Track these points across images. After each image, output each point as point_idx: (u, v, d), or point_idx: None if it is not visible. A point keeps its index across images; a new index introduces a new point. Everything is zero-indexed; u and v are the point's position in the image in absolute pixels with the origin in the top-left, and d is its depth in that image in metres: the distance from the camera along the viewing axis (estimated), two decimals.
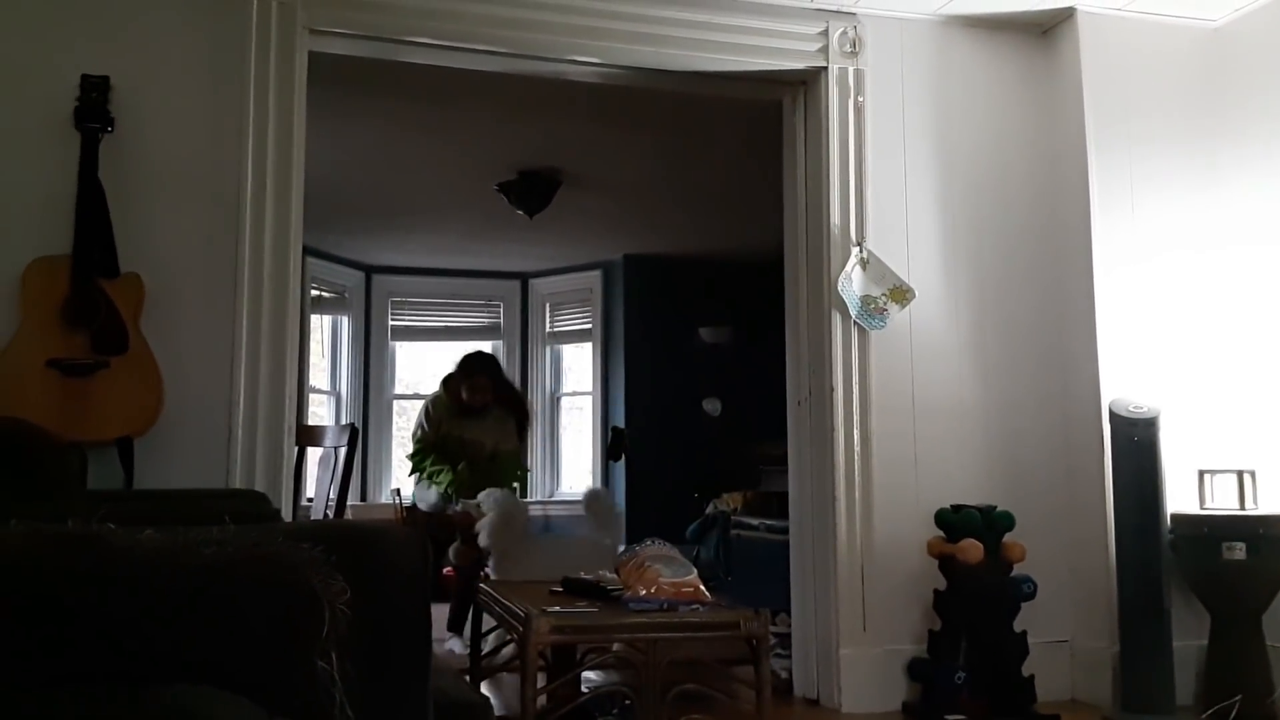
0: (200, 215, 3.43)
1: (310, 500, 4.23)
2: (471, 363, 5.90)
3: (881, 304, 3.96)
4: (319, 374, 8.62)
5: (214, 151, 3.45)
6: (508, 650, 3.53)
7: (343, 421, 8.29)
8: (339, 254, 8.49)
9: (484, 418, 5.83)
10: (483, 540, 5.06)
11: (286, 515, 3.42)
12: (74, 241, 3.21)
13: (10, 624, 1.08)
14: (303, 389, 7.19)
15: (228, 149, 3.45)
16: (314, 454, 4.12)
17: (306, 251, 3.75)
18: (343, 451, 3.87)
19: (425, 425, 5.77)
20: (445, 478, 5.59)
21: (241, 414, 3.39)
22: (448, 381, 5.89)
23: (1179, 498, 3.81)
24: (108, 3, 3.43)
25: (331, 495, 3.85)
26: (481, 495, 5.23)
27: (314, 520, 3.75)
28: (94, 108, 3.29)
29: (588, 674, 3.74)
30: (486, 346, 9.34)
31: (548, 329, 9.44)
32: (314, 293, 8.27)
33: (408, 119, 5.55)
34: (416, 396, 8.22)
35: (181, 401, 3.29)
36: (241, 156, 3.45)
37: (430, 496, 5.68)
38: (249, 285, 3.43)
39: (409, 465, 5.81)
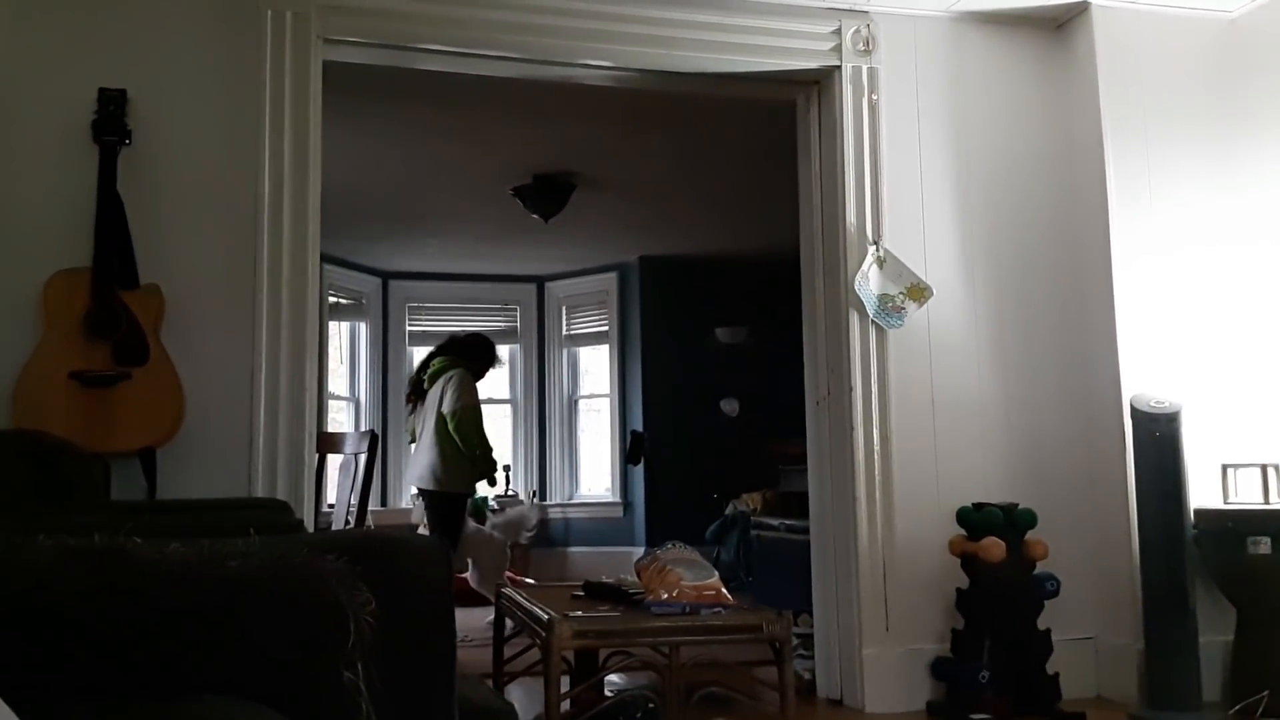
0: (218, 225, 3.45)
1: (331, 507, 4.25)
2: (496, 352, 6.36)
3: (899, 302, 3.95)
4: (337, 380, 8.65)
5: (231, 161, 3.47)
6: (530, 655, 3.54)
7: (362, 428, 8.32)
8: (356, 260, 8.53)
9: None
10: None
11: (308, 523, 3.44)
12: (94, 254, 3.24)
13: (40, 638, 1.09)
14: (322, 396, 7.23)
15: (244, 159, 3.47)
16: (334, 460, 4.13)
17: (323, 259, 3.76)
18: (363, 458, 3.88)
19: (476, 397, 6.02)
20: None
21: (262, 422, 3.41)
22: (471, 360, 6.15)
23: (1202, 493, 3.79)
24: (123, 17, 3.45)
25: (352, 502, 3.86)
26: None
27: (338, 530, 3.76)
28: (111, 121, 3.32)
29: (611, 678, 3.74)
30: (504, 350, 9.40)
31: (564, 332, 9.45)
32: (331, 299, 8.31)
33: (422, 125, 5.57)
34: None
35: (202, 411, 3.31)
36: (258, 166, 3.47)
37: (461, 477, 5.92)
38: (268, 293, 3.45)
39: (471, 444, 5.91)
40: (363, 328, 8.90)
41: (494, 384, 9.17)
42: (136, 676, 1.10)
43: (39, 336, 3.18)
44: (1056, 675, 3.65)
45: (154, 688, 1.09)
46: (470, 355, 6.18)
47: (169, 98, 3.44)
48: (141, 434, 3.21)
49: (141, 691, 1.09)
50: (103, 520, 1.45)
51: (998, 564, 3.61)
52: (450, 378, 5.98)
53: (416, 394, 6.22)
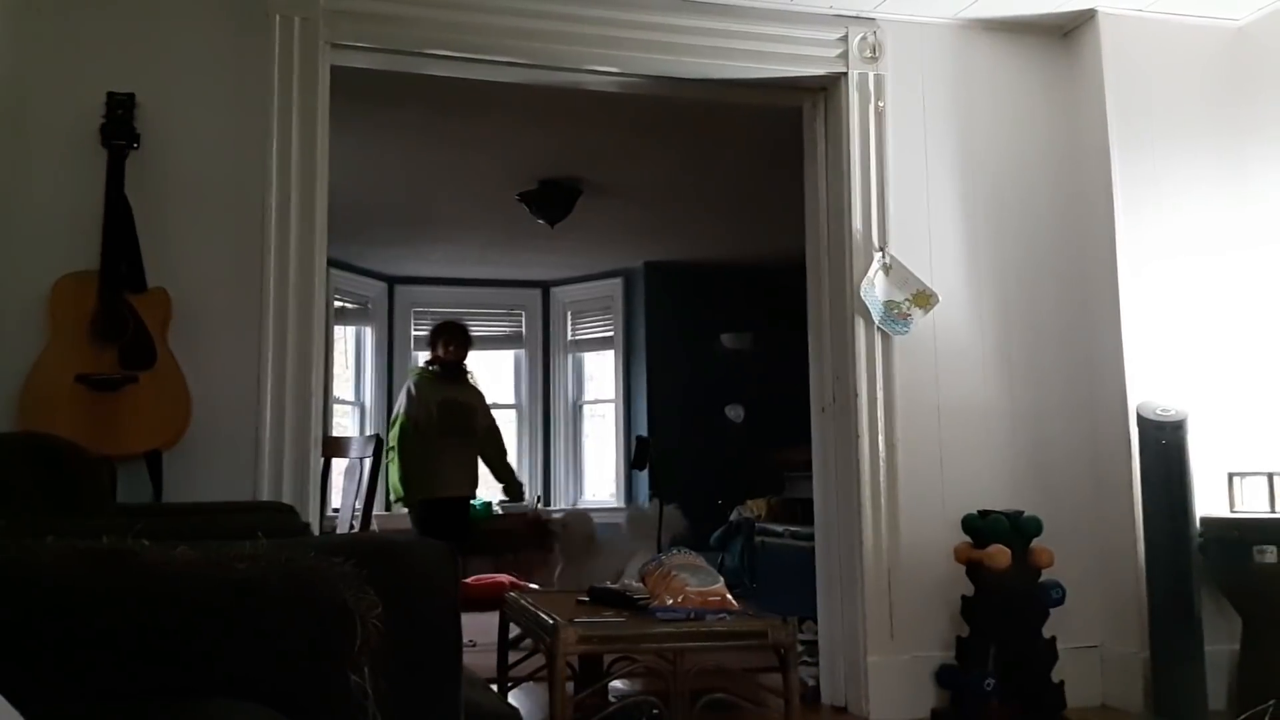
0: (226, 229, 3.46)
1: (336, 511, 4.25)
2: (440, 325, 6.11)
3: (905, 309, 3.95)
4: (343, 385, 8.66)
5: (239, 166, 3.48)
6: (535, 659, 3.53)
7: (367, 432, 8.33)
8: (361, 265, 8.55)
9: (464, 384, 5.99)
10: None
11: (314, 527, 3.44)
12: (101, 257, 3.24)
13: (47, 640, 1.09)
14: (327, 400, 7.23)
15: (252, 163, 3.48)
16: (339, 465, 4.14)
17: (329, 263, 3.76)
18: (368, 462, 3.89)
19: (406, 404, 5.79)
20: (395, 472, 5.65)
21: (268, 426, 3.41)
22: (430, 357, 6.03)
23: (1208, 501, 3.78)
24: (132, 21, 3.46)
25: (357, 506, 3.87)
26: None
27: (344, 534, 3.77)
28: (120, 125, 3.32)
29: (615, 683, 3.74)
30: (509, 355, 9.44)
31: (569, 337, 9.46)
32: (337, 304, 8.32)
33: (429, 130, 5.58)
34: None
35: (209, 414, 3.31)
36: (266, 170, 3.48)
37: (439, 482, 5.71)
38: (274, 298, 3.45)
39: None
40: (368, 332, 8.91)
41: (499, 388, 9.20)
42: (143, 678, 1.10)
43: (46, 339, 3.19)
44: (1062, 684, 3.64)
45: (160, 689, 1.10)
46: None
47: (177, 102, 3.45)
48: (148, 437, 3.22)
49: (148, 693, 1.09)
50: (110, 522, 1.45)
51: (1003, 572, 3.60)
52: None
53: None
